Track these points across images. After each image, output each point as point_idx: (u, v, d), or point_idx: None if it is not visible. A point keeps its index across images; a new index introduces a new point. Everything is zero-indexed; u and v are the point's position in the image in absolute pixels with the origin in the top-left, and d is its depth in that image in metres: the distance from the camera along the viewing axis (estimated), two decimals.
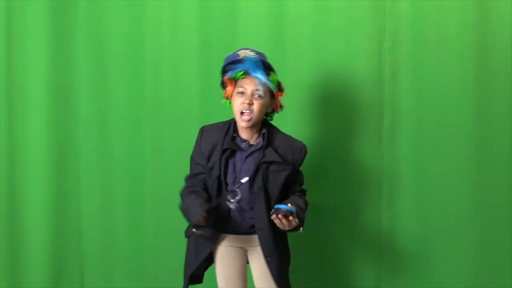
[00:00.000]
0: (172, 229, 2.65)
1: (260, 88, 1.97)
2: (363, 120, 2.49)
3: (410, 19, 2.43)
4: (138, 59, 2.64)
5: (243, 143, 2.02)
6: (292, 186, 2.05)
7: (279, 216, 1.85)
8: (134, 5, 2.63)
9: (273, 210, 1.88)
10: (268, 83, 1.99)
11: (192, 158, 2.11)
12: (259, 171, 1.98)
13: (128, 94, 2.67)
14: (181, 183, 2.65)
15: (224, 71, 2.05)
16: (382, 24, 2.44)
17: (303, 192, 2.08)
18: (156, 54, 2.62)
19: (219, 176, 2.00)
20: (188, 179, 2.12)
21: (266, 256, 2.01)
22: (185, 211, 1.99)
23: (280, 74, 2.42)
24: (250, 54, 2.00)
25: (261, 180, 1.98)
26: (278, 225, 1.89)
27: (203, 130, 2.08)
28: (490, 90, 2.40)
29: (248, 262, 2.13)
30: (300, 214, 1.90)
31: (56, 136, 2.72)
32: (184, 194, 2.06)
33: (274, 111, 2.08)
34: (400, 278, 2.52)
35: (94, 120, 2.70)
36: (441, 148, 2.45)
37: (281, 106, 2.09)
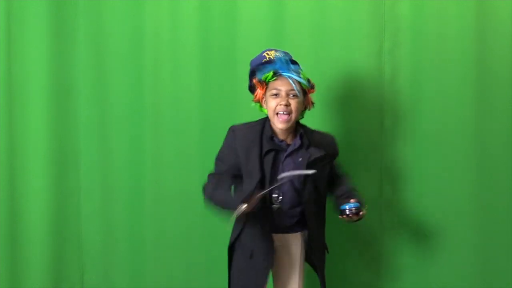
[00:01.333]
0: (172, 229, 2.65)
1: (295, 87, 1.96)
2: (363, 120, 2.49)
3: (410, 19, 2.43)
4: (138, 60, 2.64)
5: (281, 143, 2.00)
6: (333, 170, 2.11)
7: (349, 216, 1.92)
8: (134, 5, 2.63)
9: (340, 211, 1.94)
10: (302, 80, 1.98)
11: (218, 159, 2.05)
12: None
13: (128, 95, 2.67)
14: (181, 183, 2.65)
15: (252, 74, 2.03)
16: (382, 24, 2.44)
17: (346, 175, 2.16)
18: (156, 55, 2.62)
19: (262, 179, 1.94)
20: (213, 175, 2.05)
21: (318, 262, 2.09)
22: (221, 201, 1.94)
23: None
24: (276, 54, 2.00)
25: (312, 179, 1.98)
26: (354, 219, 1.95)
27: (234, 130, 2.02)
28: (490, 90, 2.40)
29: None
30: (360, 196, 1.98)
31: (56, 136, 2.71)
32: (212, 188, 2.00)
33: (306, 108, 2.07)
34: (400, 278, 2.52)
35: (94, 120, 2.70)
36: (441, 148, 2.45)
37: (312, 103, 2.08)
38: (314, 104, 2.10)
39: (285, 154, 1.99)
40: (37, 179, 2.71)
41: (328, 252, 2.18)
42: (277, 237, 2.05)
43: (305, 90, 2.02)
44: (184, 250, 2.65)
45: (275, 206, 1.99)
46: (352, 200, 1.92)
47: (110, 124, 2.69)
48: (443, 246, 2.48)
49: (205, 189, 2.04)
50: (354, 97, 2.47)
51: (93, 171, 2.73)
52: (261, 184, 1.94)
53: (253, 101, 2.07)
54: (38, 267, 2.75)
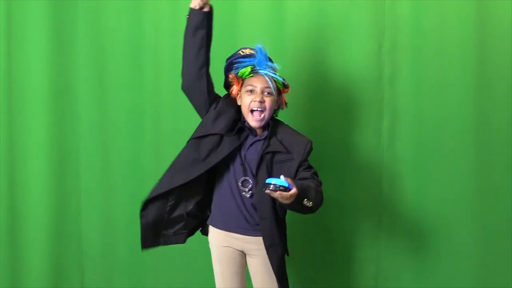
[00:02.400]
0: None
1: (271, 84, 1.95)
2: (363, 120, 2.49)
3: (410, 19, 2.42)
4: (138, 60, 2.64)
5: (250, 131, 1.99)
6: (299, 176, 1.95)
7: (270, 191, 1.73)
8: (134, 5, 2.63)
9: (264, 185, 1.76)
10: (278, 78, 1.98)
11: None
12: (263, 161, 1.94)
13: (128, 94, 2.67)
14: None
15: (229, 69, 2.03)
16: (381, 24, 2.43)
17: (313, 176, 1.95)
18: (156, 54, 2.62)
19: (222, 136, 1.95)
20: None
21: (268, 247, 1.96)
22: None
23: (280, 74, 2.43)
24: (251, 52, 1.99)
25: (265, 170, 1.94)
26: (278, 198, 1.76)
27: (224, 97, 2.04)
28: (490, 89, 2.40)
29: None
30: (303, 186, 1.81)
31: (56, 136, 2.72)
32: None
33: (279, 108, 2.05)
34: (400, 278, 2.52)
35: (94, 120, 2.70)
36: (441, 148, 2.45)
37: (286, 103, 2.07)
38: (287, 105, 2.07)
39: (250, 143, 1.97)
40: (37, 179, 2.72)
41: (288, 255, 2.08)
42: (247, 240, 2.02)
43: (280, 89, 2.01)
44: (184, 250, 2.65)
45: (247, 195, 1.98)
46: (282, 177, 1.74)
47: (110, 124, 2.69)
48: (443, 246, 2.48)
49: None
50: (353, 97, 2.47)
51: (93, 171, 2.73)
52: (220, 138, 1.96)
53: (231, 96, 2.04)
54: (38, 267, 2.75)
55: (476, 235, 2.44)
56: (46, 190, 2.72)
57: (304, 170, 1.96)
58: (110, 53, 2.66)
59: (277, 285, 2.00)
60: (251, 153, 1.98)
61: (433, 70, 2.42)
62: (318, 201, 1.86)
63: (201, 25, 1.98)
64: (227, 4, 2.54)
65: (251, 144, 1.98)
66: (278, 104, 2.03)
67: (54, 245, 2.75)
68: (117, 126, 2.68)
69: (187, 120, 2.61)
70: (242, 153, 1.98)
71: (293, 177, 1.92)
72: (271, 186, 1.72)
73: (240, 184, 1.98)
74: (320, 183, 1.95)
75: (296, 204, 1.79)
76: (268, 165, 1.94)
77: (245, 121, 1.98)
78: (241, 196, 1.99)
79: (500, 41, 2.37)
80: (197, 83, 1.99)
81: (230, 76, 2.01)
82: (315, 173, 1.99)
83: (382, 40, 2.44)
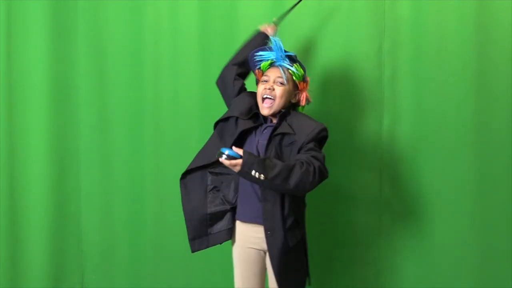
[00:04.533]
0: (172, 229, 2.65)
1: (283, 75, 2.00)
2: (363, 120, 2.49)
3: (410, 19, 2.42)
4: (138, 60, 2.64)
5: (263, 119, 2.04)
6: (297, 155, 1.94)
7: (222, 160, 1.80)
8: (134, 5, 2.63)
9: (218, 153, 1.82)
10: (292, 69, 2.01)
11: None
12: (272, 143, 1.96)
13: (128, 94, 2.67)
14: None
15: (254, 65, 2.10)
16: (382, 24, 2.43)
17: (306, 161, 1.88)
18: (156, 55, 2.62)
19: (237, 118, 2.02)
20: None
21: (267, 230, 1.95)
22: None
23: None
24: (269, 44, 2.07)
25: (273, 151, 1.95)
26: (229, 166, 1.83)
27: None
28: (490, 89, 2.40)
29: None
30: (262, 160, 1.83)
31: (56, 136, 2.72)
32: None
33: (298, 103, 2.07)
34: (400, 278, 2.52)
35: (94, 120, 2.70)
36: (441, 148, 2.44)
37: (307, 100, 2.07)
38: (310, 102, 2.09)
39: (263, 128, 2.02)
40: (37, 179, 2.72)
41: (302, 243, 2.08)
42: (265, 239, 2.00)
43: (297, 83, 2.03)
44: (184, 250, 2.65)
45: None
46: (234, 148, 1.82)
47: (110, 124, 2.70)
48: (443, 246, 2.47)
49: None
50: (354, 96, 2.47)
51: (93, 171, 2.73)
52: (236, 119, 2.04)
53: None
54: (38, 267, 2.75)
55: (476, 235, 2.44)
56: (46, 190, 2.73)
57: (305, 152, 1.93)
58: (110, 53, 2.67)
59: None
60: (263, 138, 2.01)
61: (433, 70, 2.42)
62: (280, 177, 1.82)
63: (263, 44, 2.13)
64: (227, 4, 2.54)
65: (264, 130, 2.03)
66: (297, 99, 2.06)
67: (54, 245, 2.75)
68: (117, 126, 2.69)
69: (187, 120, 2.61)
70: (256, 139, 2.02)
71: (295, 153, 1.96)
72: (223, 155, 1.81)
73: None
74: (311, 164, 1.88)
75: (248, 175, 1.82)
76: (277, 147, 1.96)
77: (257, 112, 2.04)
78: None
79: (500, 41, 2.37)
80: (235, 82, 2.16)
81: (256, 71, 2.11)
82: (315, 156, 1.92)
83: (382, 40, 2.44)
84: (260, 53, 2.06)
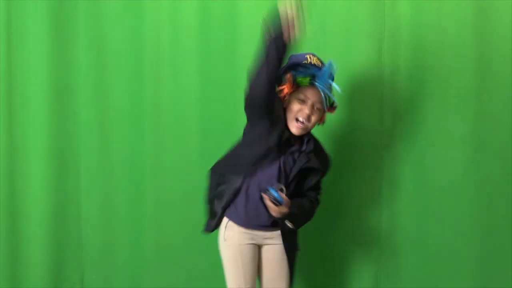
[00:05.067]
0: (172, 230, 2.65)
1: (324, 102, 1.98)
2: (363, 120, 2.49)
3: (410, 19, 2.42)
4: (138, 60, 2.64)
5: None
6: (310, 190, 2.09)
7: (267, 197, 1.88)
8: (134, 5, 2.63)
9: (265, 189, 1.89)
10: (332, 98, 2.01)
11: None
12: (299, 172, 2.00)
13: (128, 95, 2.67)
14: (182, 184, 2.66)
15: (288, 68, 1.98)
16: (382, 24, 2.43)
17: (316, 200, 2.12)
18: (156, 55, 2.62)
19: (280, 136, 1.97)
20: None
21: (289, 247, 2.05)
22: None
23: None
24: (318, 62, 1.99)
25: (296, 179, 2.01)
26: (267, 206, 1.92)
27: None
28: (490, 89, 2.40)
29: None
30: (297, 209, 1.96)
31: (56, 136, 2.72)
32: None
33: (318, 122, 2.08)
34: (400, 278, 2.52)
35: (94, 120, 2.70)
36: (441, 148, 2.44)
37: (324, 121, 2.10)
38: (325, 122, 2.11)
39: (290, 151, 2.01)
40: (37, 179, 2.72)
41: (299, 250, 2.16)
42: (264, 234, 2.06)
43: (327, 107, 2.03)
44: (184, 250, 2.66)
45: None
46: (282, 194, 1.89)
47: (110, 125, 2.70)
48: (443, 246, 2.47)
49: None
50: (353, 96, 2.47)
51: (93, 171, 2.73)
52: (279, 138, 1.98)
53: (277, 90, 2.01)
54: (38, 267, 2.75)
55: (477, 235, 2.44)
56: (46, 190, 2.73)
57: (316, 186, 2.10)
58: (110, 53, 2.66)
59: (288, 274, 2.07)
60: (290, 160, 2.01)
61: (433, 70, 2.42)
62: (302, 223, 2.03)
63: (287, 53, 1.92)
64: (227, 5, 2.54)
65: (291, 153, 2.02)
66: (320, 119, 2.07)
67: (54, 245, 2.75)
68: (117, 126, 2.69)
69: (187, 120, 2.61)
70: (281, 159, 2.01)
71: (308, 185, 2.06)
72: (268, 193, 1.87)
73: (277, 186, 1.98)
74: (311, 210, 2.09)
75: (281, 221, 1.97)
76: (300, 175, 2.02)
77: (290, 138, 2.01)
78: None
79: (500, 41, 2.37)
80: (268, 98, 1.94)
81: (288, 75, 1.97)
82: (320, 193, 2.13)
83: (382, 40, 2.44)
84: (301, 67, 1.96)
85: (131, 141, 2.68)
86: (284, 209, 1.90)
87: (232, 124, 2.43)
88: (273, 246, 2.08)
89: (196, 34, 2.57)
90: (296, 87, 1.98)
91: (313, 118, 2.00)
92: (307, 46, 2.47)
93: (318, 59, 2.01)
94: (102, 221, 2.74)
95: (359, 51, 2.45)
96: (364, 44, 2.45)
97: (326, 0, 2.46)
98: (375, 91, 2.46)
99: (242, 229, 2.05)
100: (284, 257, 2.07)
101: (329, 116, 2.48)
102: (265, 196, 1.88)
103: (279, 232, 2.05)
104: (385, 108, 2.47)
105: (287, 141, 2.01)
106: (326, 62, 2.02)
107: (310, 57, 1.98)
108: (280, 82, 2.00)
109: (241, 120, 2.11)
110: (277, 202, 1.87)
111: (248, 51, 2.32)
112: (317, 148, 2.08)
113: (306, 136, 2.05)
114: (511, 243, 2.41)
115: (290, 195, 1.98)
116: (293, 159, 2.02)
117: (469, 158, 2.42)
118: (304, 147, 2.03)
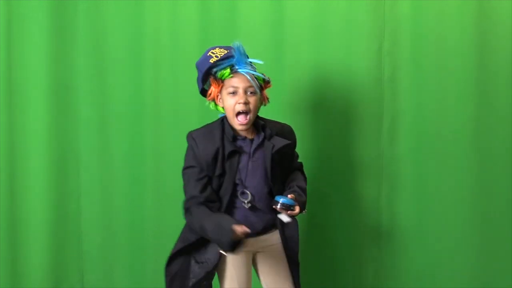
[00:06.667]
0: (172, 229, 2.64)
1: (253, 83, 1.91)
2: (363, 120, 2.49)
3: (410, 19, 2.43)
4: (138, 60, 2.64)
5: (244, 141, 1.96)
6: (292, 163, 2.07)
7: (278, 209, 1.85)
8: (134, 5, 2.63)
9: (273, 201, 1.87)
10: (259, 75, 1.93)
11: (189, 167, 1.95)
12: (274, 160, 1.93)
13: (128, 94, 2.67)
14: (181, 183, 2.65)
15: (206, 75, 1.94)
16: (382, 24, 2.44)
17: (301, 166, 2.13)
18: (156, 55, 2.62)
19: (234, 181, 1.91)
20: (193, 195, 1.93)
21: (289, 237, 2.00)
22: (215, 230, 1.81)
23: (280, 74, 2.42)
24: (223, 51, 1.92)
25: (276, 167, 1.94)
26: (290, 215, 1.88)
27: (194, 138, 1.95)
28: (490, 90, 2.40)
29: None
30: (302, 197, 1.92)
31: (56, 136, 2.72)
32: (202, 213, 1.89)
33: (261, 104, 2.00)
34: (400, 278, 2.52)
35: (94, 120, 2.70)
36: (441, 148, 2.45)
37: (267, 98, 2.02)
38: (269, 100, 2.02)
39: (252, 149, 1.94)
40: (37, 179, 2.72)
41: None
42: (258, 240, 1.99)
43: (261, 85, 1.97)
44: None
45: (246, 206, 1.94)
46: (289, 196, 1.85)
47: (110, 124, 2.69)
48: (443, 246, 2.48)
49: (193, 212, 1.93)
50: (353, 97, 2.47)
51: (93, 171, 2.73)
52: (234, 185, 1.91)
53: (207, 99, 1.99)
54: (38, 267, 2.75)
55: (477, 235, 2.44)
56: (46, 190, 2.72)
57: (294, 161, 2.08)
58: (110, 53, 2.66)
59: (290, 276, 2.02)
60: (257, 156, 1.94)
61: (433, 70, 2.42)
62: (304, 206, 1.96)
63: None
64: (227, 5, 2.54)
65: (254, 150, 1.94)
66: (261, 101, 1.98)
67: (54, 245, 2.75)
68: (117, 126, 2.68)
69: (187, 120, 2.61)
70: (245, 159, 1.94)
71: (290, 160, 2.04)
72: (279, 204, 1.85)
73: (240, 196, 1.94)
74: (306, 179, 2.09)
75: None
76: (278, 162, 1.95)
77: (235, 136, 1.94)
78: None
79: (500, 41, 2.37)
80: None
81: (211, 79, 1.94)
82: (301, 165, 2.13)
83: (382, 40, 2.44)
84: (218, 62, 1.89)
85: (131, 141, 2.68)
86: (298, 211, 1.86)
87: None
88: (269, 248, 2.02)
89: (196, 34, 2.57)
90: (221, 82, 1.93)
91: (252, 104, 1.90)
92: (307, 46, 2.48)
93: (220, 48, 1.94)
94: (102, 221, 2.74)
95: (359, 51, 2.45)
96: (364, 44, 2.45)
97: (326, 0, 2.46)
98: (375, 91, 2.46)
99: None
100: (283, 256, 2.00)
101: (329, 116, 2.49)
102: (279, 209, 1.85)
103: (273, 231, 2.00)
104: (385, 108, 2.47)
105: (242, 143, 1.94)
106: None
107: (213, 53, 1.92)
108: (205, 93, 2.00)
109: None
110: (292, 207, 1.85)
111: (248, 51, 2.33)
112: (273, 127, 1.98)
113: (257, 124, 1.96)
114: (511, 243, 2.42)
115: (282, 178, 1.98)
116: (261, 152, 1.94)
117: (469, 158, 2.42)
118: (261, 135, 1.95)
